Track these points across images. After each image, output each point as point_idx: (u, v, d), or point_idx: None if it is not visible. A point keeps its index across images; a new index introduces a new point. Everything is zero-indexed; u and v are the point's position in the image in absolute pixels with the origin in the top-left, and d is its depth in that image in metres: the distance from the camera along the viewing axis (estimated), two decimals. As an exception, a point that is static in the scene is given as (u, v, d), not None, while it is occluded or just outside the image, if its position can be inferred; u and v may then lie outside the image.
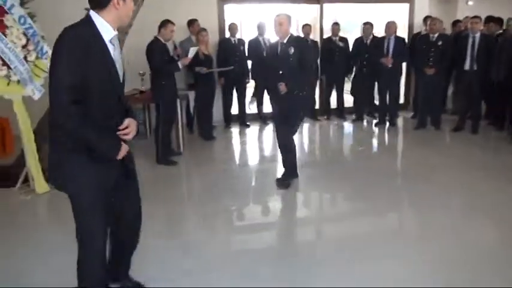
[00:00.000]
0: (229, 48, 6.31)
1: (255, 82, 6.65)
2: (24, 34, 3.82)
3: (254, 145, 6.12)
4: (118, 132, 1.90)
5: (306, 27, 6.60)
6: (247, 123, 6.74)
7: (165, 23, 4.64)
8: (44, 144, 4.30)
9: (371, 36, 6.61)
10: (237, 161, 5.35)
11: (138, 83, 5.32)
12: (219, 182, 4.31)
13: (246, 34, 6.73)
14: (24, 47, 3.83)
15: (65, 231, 3.21)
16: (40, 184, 4.02)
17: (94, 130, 1.77)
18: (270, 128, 6.68)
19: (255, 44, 6.51)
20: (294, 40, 3.92)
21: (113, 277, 2.26)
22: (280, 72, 3.89)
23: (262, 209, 3.82)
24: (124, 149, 1.90)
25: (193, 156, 5.36)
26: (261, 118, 6.86)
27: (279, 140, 4.09)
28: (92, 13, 1.78)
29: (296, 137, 4.24)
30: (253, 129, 6.66)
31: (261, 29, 6.50)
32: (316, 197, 4.19)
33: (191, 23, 6.11)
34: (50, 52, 4.00)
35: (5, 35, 3.69)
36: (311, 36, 6.74)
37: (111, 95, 1.84)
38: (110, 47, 1.80)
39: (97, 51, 1.72)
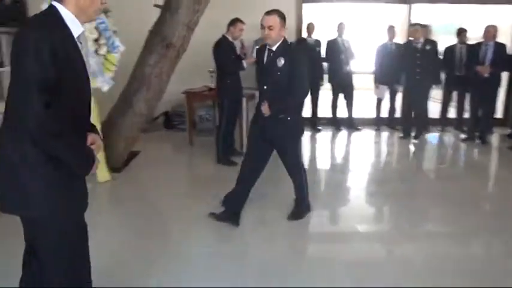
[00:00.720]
0: (305, 49, 6.03)
1: (332, 85, 6.36)
2: (96, 28, 3.93)
3: (322, 150, 5.77)
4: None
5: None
6: (319, 127, 6.40)
7: (234, 22, 4.53)
8: (110, 135, 4.46)
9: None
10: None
11: (207, 80, 5.31)
12: (281, 186, 4.07)
13: (325, 34, 6.36)
14: (95, 40, 3.94)
15: (116, 218, 3.52)
16: (102, 173, 4.12)
17: (70, 140, 1.55)
18: (343, 134, 6.30)
19: (333, 45, 6.16)
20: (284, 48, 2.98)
21: None
22: (264, 87, 3.06)
23: (335, 218, 3.57)
24: (96, 162, 1.67)
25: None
26: (335, 123, 6.49)
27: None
28: (55, 4, 1.54)
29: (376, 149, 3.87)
30: (324, 134, 6.30)
31: (340, 29, 6.12)
32: (391, 212, 3.76)
33: (268, 20, 5.93)
34: (121, 47, 4.16)
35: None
36: (395, 40, 6.19)
37: (86, 92, 1.65)
38: (78, 45, 1.57)
39: (68, 45, 1.50)
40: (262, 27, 2.87)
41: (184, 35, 4.17)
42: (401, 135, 5.93)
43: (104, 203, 3.89)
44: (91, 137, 1.71)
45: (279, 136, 3.06)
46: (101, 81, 4.06)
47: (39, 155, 1.50)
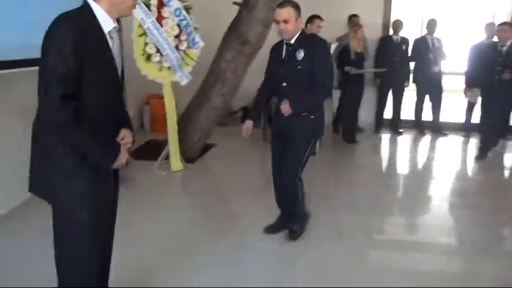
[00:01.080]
0: (390, 47, 5.71)
1: (417, 86, 5.95)
2: (178, 25, 4.10)
3: (401, 155, 5.44)
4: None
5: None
6: (400, 130, 6.02)
7: (312, 18, 4.46)
8: (187, 127, 4.65)
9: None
10: (374, 171, 4.78)
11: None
12: (347, 191, 3.94)
13: (413, 32, 5.95)
14: (176, 36, 4.12)
15: (180, 206, 3.64)
16: (175, 163, 4.33)
17: (86, 130, 1.56)
18: (426, 139, 5.87)
19: (420, 43, 5.74)
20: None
21: None
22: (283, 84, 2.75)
23: (411, 227, 3.34)
24: (122, 157, 1.69)
25: (326, 158, 5.03)
26: (419, 127, 6.06)
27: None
28: (89, 0, 1.58)
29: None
30: (405, 138, 5.92)
31: (430, 26, 5.68)
32: (469, 225, 3.40)
33: (351, 18, 5.72)
34: (201, 43, 4.31)
35: (161, 25, 4.04)
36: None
37: (108, 90, 1.65)
38: (109, 40, 1.61)
39: (95, 41, 1.54)
40: (277, 22, 2.61)
41: (260, 32, 4.19)
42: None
43: (172, 190, 4.09)
44: (123, 133, 1.73)
45: (298, 133, 2.71)
46: (180, 76, 4.25)
47: (65, 147, 1.56)
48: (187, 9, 4.14)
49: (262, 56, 5.09)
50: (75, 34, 1.46)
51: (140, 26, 3.98)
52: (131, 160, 4.50)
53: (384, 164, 5.12)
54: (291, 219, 2.94)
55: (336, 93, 5.36)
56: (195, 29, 4.24)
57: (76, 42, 1.46)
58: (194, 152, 4.75)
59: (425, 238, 3.07)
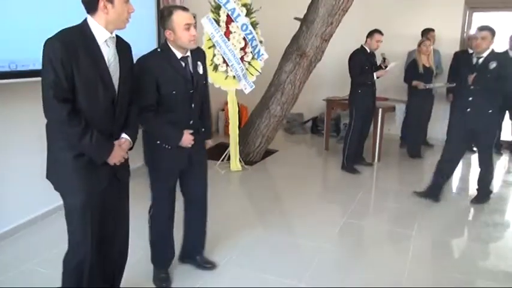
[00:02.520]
0: (464, 62, 5.33)
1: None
2: (244, 39, 4.40)
3: (465, 173, 5.03)
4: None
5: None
6: (474, 148, 5.54)
7: (372, 33, 4.40)
8: (249, 133, 4.93)
9: None
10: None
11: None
12: (395, 205, 3.85)
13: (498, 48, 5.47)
14: (242, 49, 4.42)
15: (234, 203, 3.88)
16: (234, 164, 4.62)
17: (79, 127, 1.71)
18: (503, 159, 5.34)
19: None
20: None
21: None
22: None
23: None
24: (116, 155, 1.85)
25: (383, 171, 4.87)
26: (496, 145, 5.54)
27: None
28: (88, 17, 1.77)
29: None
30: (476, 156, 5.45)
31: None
32: None
33: (426, 32, 5.49)
34: (265, 55, 4.55)
35: (228, 39, 4.37)
36: None
37: (101, 94, 1.78)
38: (105, 48, 1.78)
39: (85, 51, 1.71)
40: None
41: (317, 46, 4.30)
42: None
43: (226, 186, 4.34)
44: (118, 141, 1.88)
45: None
46: (244, 84, 4.54)
47: (62, 142, 1.77)
48: (253, 24, 4.42)
49: (340, 69, 5.23)
50: (62, 46, 1.64)
51: (209, 39, 4.36)
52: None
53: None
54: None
55: (401, 107, 5.20)
56: (261, 42, 4.50)
57: (63, 53, 1.64)
58: (256, 156, 5.00)
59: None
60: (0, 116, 2.82)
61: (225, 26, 4.36)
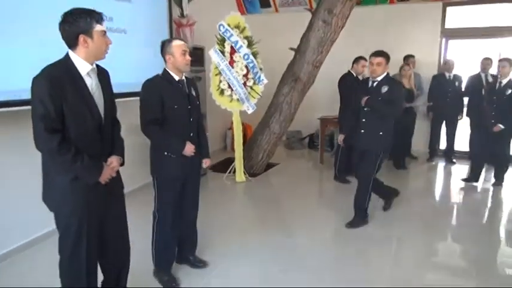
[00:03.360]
0: (442, 84, 5.91)
1: (470, 120, 6.02)
2: (246, 66, 4.99)
3: (447, 183, 5.53)
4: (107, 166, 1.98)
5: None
6: (454, 160, 6.09)
7: (358, 59, 4.96)
8: (253, 148, 5.46)
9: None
10: (416, 195, 4.97)
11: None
12: (380, 210, 4.31)
13: (468, 70, 6.06)
14: (244, 75, 5.00)
15: (239, 210, 4.22)
16: (239, 175, 5.15)
17: (69, 154, 1.79)
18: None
19: (474, 80, 5.84)
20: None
21: None
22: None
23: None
24: (106, 173, 1.97)
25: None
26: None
27: None
28: (69, 51, 1.87)
29: None
30: (457, 167, 5.96)
31: (484, 65, 5.77)
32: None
33: (406, 58, 6.08)
34: (265, 80, 5.12)
35: (232, 67, 4.96)
36: None
37: (89, 121, 1.90)
38: (88, 79, 1.89)
39: (70, 83, 1.81)
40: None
41: (309, 71, 4.88)
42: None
43: (232, 196, 4.84)
44: (110, 159, 2.02)
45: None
46: (246, 106, 5.10)
47: (57, 172, 1.89)
48: (254, 54, 5.00)
49: (321, 92, 5.80)
50: (48, 82, 1.74)
51: (216, 67, 4.95)
52: (209, 172, 5.47)
53: (426, 188, 5.28)
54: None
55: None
56: (261, 69, 5.08)
57: (50, 88, 1.74)
58: (259, 169, 5.53)
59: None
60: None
61: (229, 56, 4.95)
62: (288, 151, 7.11)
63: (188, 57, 2.50)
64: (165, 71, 2.54)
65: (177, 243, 2.80)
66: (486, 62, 5.76)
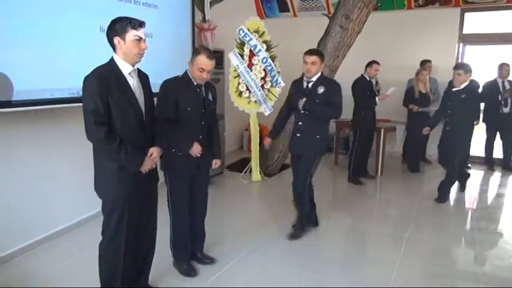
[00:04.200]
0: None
1: (486, 125, 6.02)
2: (264, 70, 5.12)
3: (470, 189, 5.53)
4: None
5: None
6: (469, 165, 6.07)
7: (370, 63, 5.07)
8: (269, 149, 5.56)
9: None
10: (429, 198, 5.01)
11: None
12: (393, 210, 4.40)
13: (484, 76, 6.06)
14: (262, 78, 5.14)
15: (254, 208, 4.34)
16: (255, 175, 5.29)
17: (114, 144, 2.00)
18: (496, 176, 5.82)
19: (490, 86, 5.85)
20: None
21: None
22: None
23: None
24: (147, 163, 2.18)
25: (385, 182, 5.44)
26: (489, 163, 6.08)
27: None
28: (113, 54, 2.10)
29: None
30: (472, 173, 5.93)
31: (502, 71, 5.77)
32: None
33: (423, 63, 6.12)
34: (282, 83, 5.24)
35: (251, 70, 5.11)
36: None
37: (132, 115, 2.10)
38: (130, 78, 2.10)
39: (115, 82, 2.03)
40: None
41: (326, 75, 4.96)
42: None
43: (248, 194, 4.98)
44: (151, 150, 2.22)
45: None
46: (264, 108, 5.24)
47: (106, 159, 2.10)
48: (272, 57, 5.14)
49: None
50: (97, 81, 1.98)
51: (235, 70, 5.11)
52: (226, 171, 5.63)
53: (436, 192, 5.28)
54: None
55: (401, 128, 5.79)
56: (278, 72, 5.21)
57: (99, 86, 1.96)
58: (274, 169, 5.65)
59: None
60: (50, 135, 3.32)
61: (248, 59, 5.10)
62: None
63: (205, 76, 2.55)
64: (185, 73, 2.64)
65: None
66: (504, 68, 5.76)
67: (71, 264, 2.97)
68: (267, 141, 3.66)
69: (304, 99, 3.28)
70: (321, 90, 3.29)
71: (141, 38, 2.08)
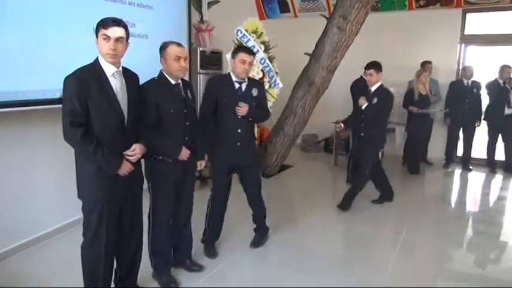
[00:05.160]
0: (460, 91, 5.85)
1: (488, 126, 5.95)
2: (262, 70, 5.10)
3: (461, 189, 5.48)
4: (125, 153, 2.13)
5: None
6: (470, 167, 6.02)
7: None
8: (268, 150, 5.57)
9: None
10: (429, 200, 4.89)
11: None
12: (387, 211, 4.35)
13: (486, 76, 5.98)
14: (260, 79, 5.11)
15: (248, 208, 3.90)
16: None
17: (91, 145, 1.98)
18: (498, 178, 5.74)
19: (492, 86, 5.77)
20: None
21: None
22: None
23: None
24: (125, 167, 2.12)
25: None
26: (490, 165, 5.99)
27: None
28: (99, 56, 2.09)
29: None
30: (474, 175, 5.89)
31: (503, 72, 5.69)
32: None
33: (424, 64, 6.05)
34: (280, 84, 5.22)
35: (249, 71, 5.08)
36: None
37: (112, 117, 2.07)
38: (112, 79, 2.08)
39: (96, 83, 2.01)
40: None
41: (323, 76, 4.94)
42: None
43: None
44: (134, 146, 2.18)
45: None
46: (262, 109, 5.22)
47: (83, 159, 2.09)
48: (270, 58, 5.11)
49: (337, 96, 5.87)
50: (76, 81, 1.97)
51: (233, 71, 5.09)
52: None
53: (438, 193, 5.23)
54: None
55: (401, 129, 5.74)
56: (276, 73, 5.17)
57: (77, 87, 1.95)
58: (273, 170, 5.61)
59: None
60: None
61: (246, 60, 5.07)
62: (304, 154, 7.18)
63: (183, 64, 2.43)
64: (161, 74, 2.51)
65: (173, 246, 2.81)
66: (506, 70, 5.67)
67: (61, 265, 2.94)
68: None
69: (246, 105, 2.92)
70: (255, 92, 3.01)
71: (108, 36, 2.01)
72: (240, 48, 3.16)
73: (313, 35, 5.31)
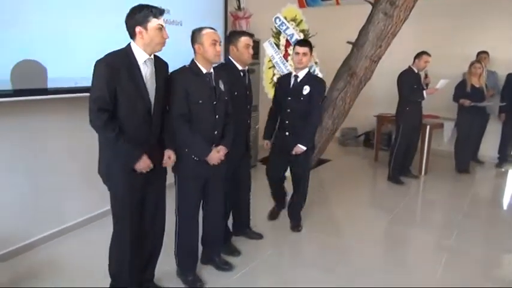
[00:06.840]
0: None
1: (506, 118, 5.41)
2: (301, 60, 4.86)
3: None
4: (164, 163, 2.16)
5: None
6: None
7: (420, 54, 4.64)
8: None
9: None
10: (477, 202, 4.51)
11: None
12: (433, 214, 4.03)
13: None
14: (298, 68, 4.89)
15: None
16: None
17: (113, 133, 1.94)
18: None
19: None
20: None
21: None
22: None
23: None
24: (143, 163, 2.05)
25: (428, 183, 5.00)
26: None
27: None
28: (131, 42, 2.03)
29: None
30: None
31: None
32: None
33: (479, 54, 5.56)
34: (320, 74, 4.96)
35: (287, 60, 4.86)
36: None
37: (140, 106, 2.03)
38: (144, 67, 2.03)
39: (127, 71, 1.96)
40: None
41: (366, 66, 4.61)
42: None
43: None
44: (167, 154, 2.22)
45: None
46: (299, 100, 4.99)
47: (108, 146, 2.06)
48: (309, 47, 4.86)
49: (380, 88, 5.51)
50: (108, 68, 1.91)
51: (270, 60, 4.87)
52: (259, 164, 5.46)
53: (490, 195, 4.80)
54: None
55: (450, 124, 5.31)
56: (316, 63, 4.91)
57: (107, 73, 1.91)
58: (310, 164, 5.39)
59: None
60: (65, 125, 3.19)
61: (284, 49, 4.83)
62: (342, 148, 6.87)
63: (219, 48, 2.32)
64: (193, 62, 2.37)
65: (202, 243, 2.71)
66: None
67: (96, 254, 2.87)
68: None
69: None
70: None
71: (162, 26, 2.02)
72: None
73: (355, 23, 4.96)
